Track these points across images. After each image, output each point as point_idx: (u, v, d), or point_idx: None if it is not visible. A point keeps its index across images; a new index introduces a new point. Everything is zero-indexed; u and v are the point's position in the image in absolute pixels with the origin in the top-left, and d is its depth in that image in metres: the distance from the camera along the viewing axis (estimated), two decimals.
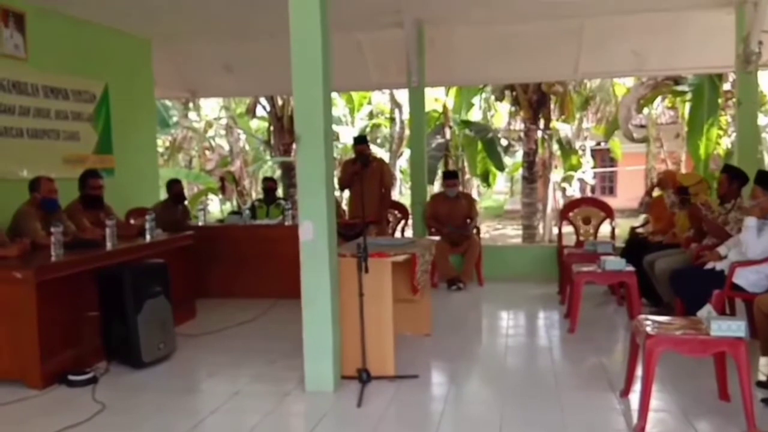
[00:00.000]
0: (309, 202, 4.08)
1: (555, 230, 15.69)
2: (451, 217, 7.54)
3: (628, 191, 22.45)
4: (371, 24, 7.57)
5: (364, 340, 4.13)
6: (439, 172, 13.53)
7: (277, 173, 16.34)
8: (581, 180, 20.40)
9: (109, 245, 4.91)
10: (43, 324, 4.19)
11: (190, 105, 18.97)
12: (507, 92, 13.12)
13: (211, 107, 20.22)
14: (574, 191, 19.84)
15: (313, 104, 4.04)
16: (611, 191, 23.87)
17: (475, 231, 7.66)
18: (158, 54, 8.33)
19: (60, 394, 4.17)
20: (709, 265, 5.04)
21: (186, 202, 7.79)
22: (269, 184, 8.30)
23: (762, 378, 3.99)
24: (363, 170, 6.59)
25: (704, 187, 6.24)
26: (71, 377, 4.27)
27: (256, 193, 16.28)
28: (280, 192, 11.45)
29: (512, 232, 19.13)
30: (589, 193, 21.61)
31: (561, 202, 19.00)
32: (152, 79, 8.35)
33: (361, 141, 7.40)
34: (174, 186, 7.49)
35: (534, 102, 12.12)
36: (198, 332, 5.51)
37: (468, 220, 7.65)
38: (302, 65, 4.03)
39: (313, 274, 4.07)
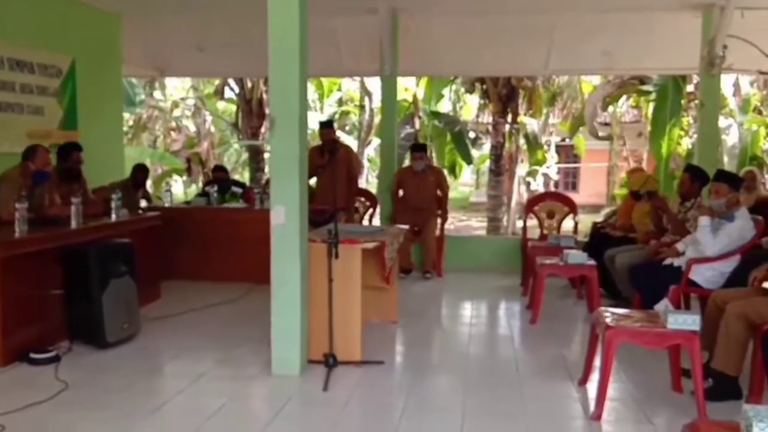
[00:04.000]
0: (281, 186, 4.09)
1: (519, 223, 16.02)
2: (418, 193, 7.43)
3: (591, 187, 22.94)
4: (346, 10, 7.54)
5: (331, 325, 4.17)
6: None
7: (244, 156, 16.21)
8: (545, 175, 20.77)
9: (74, 223, 4.84)
10: (6, 300, 4.14)
11: (156, 84, 18.67)
12: (477, 85, 13.22)
13: (176, 87, 19.91)
14: (538, 185, 20.19)
15: (288, 88, 4.05)
16: (574, 187, 24.32)
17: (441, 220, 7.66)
18: (128, 30, 8.16)
19: (21, 371, 4.12)
20: (667, 261, 5.20)
21: (146, 188, 7.61)
22: (219, 174, 8.00)
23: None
24: (330, 161, 6.60)
25: (651, 183, 6.45)
26: (33, 355, 4.22)
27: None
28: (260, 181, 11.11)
29: (477, 224, 19.36)
30: (552, 188, 21.98)
31: (525, 196, 19.29)
32: (120, 55, 8.19)
33: (327, 125, 7.37)
34: (138, 173, 7.38)
35: (503, 96, 12.26)
36: (163, 314, 5.48)
37: (438, 193, 7.56)
38: (279, 48, 4.03)
39: (284, 259, 4.09)
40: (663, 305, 3.81)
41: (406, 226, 5.75)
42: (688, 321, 3.51)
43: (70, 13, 7.18)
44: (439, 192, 7.63)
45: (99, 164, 7.64)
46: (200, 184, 16.09)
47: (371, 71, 8.75)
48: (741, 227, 4.79)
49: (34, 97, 6.64)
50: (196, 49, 9.02)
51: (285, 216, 4.07)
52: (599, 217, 10.40)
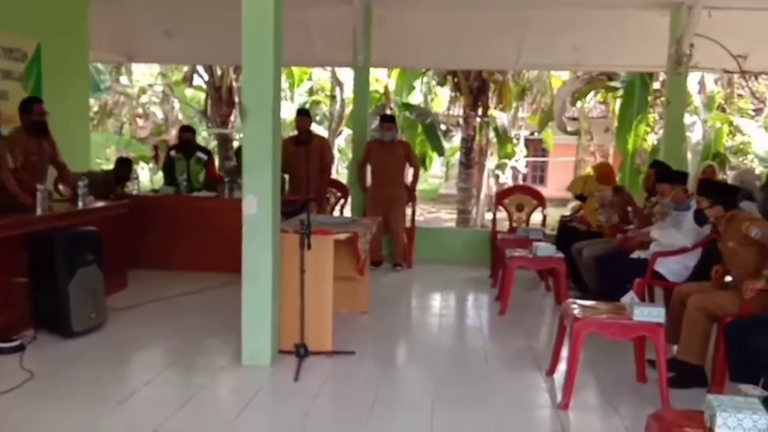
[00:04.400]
0: (254, 176, 4.06)
1: (488, 215, 16.18)
2: (386, 165, 7.34)
3: (558, 181, 23.15)
4: (320, 0, 7.51)
5: (303, 316, 4.16)
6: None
7: (213, 144, 16.01)
8: (514, 168, 20.92)
9: (39, 210, 4.74)
10: None
11: (122, 69, 18.32)
12: (449, 78, 13.25)
13: (143, 73, 19.56)
14: (507, 179, 20.34)
15: (262, 77, 4.01)
16: (542, 180, 24.58)
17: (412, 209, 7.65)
18: (95, 15, 7.99)
19: None
20: (635, 254, 5.32)
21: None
22: (185, 135, 7.70)
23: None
24: (304, 151, 6.55)
25: (590, 184, 6.77)
26: None
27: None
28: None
29: (446, 216, 19.46)
30: (521, 182, 22.18)
31: (494, 189, 19.46)
32: (87, 40, 8.01)
33: (303, 113, 7.34)
34: (121, 168, 7.25)
35: (474, 89, 12.32)
36: (129, 304, 5.40)
37: (407, 167, 7.50)
38: (253, 36, 3.99)
39: (256, 249, 4.07)
40: (629, 298, 3.88)
41: (379, 218, 5.76)
42: (654, 313, 3.59)
43: None
44: (408, 165, 7.54)
45: (65, 150, 7.44)
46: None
47: (344, 62, 8.71)
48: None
49: None
50: (163, 35, 8.88)
51: (257, 206, 4.04)
52: (566, 211, 10.55)
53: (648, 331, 3.61)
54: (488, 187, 17.04)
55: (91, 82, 13.11)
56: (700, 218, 4.79)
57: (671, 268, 4.94)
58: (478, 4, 7.69)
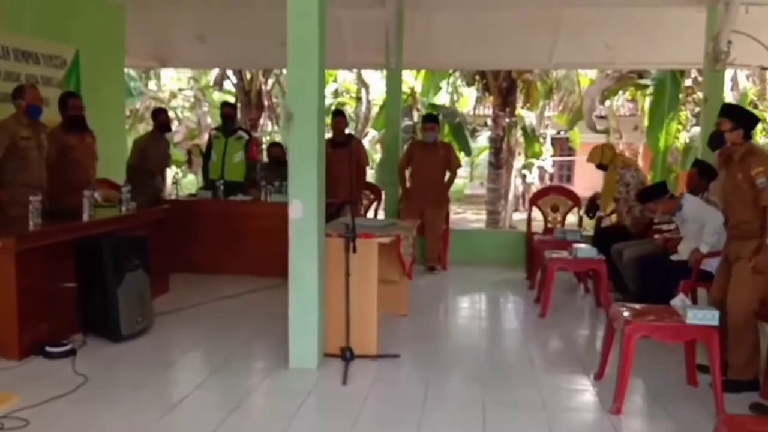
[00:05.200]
0: (300, 180, 4.08)
1: (515, 216, 16.10)
2: (427, 167, 7.23)
3: (585, 180, 22.95)
4: (354, 2, 7.53)
5: (348, 319, 4.18)
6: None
7: None
8: (541, 168, 20.83)
9: (86, 216, 4.83)
10: (21, 294, 4.11)
11: (151, 74, 18.54)
12: (477, 78, 13.22)
13: (171, 78, 19.78)
14: (533, 178, 20.25)
15: (307, 81, 4.04)
16: (569, 179, 24.36)
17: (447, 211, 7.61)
18: (130, 21, 8.12)
19: (38, 365, 4.10)
20: (674, 256, 5.26)
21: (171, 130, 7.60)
22: (226, 110, 7.62)
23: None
24: (342, 153, 6.56)
25: (610, 153, 6.89)
26: (49, 349, 4.20)
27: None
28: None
29: (472, 216, 19.38)
30: (548, 181, 22.05)
31: (521, 189, 19.39)
32: (124, 46, 8.15)
33: (339, 114, 7.37)
34: (159, 115, 7.34)
35: (503, 89, 12.27)
36: (172, 308, 5.46)
37: (447, 173, 7.37)
38: (298, 40, 4.02)
39: (302, 253, 4.09)
40: (680, 300, 3.83)
41: (417, 221, 5.75)
42: (708, 316, 3.55)
43: (75, 4, 7.13)
44: (448, 172, 7.42)
45: (102, 155, 7.59)
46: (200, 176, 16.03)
47: (375, 63, 8.76)
48: (693, 206, 5.13)
49: (38, 88, 6.54)
50: (196, 40, 8.97)
51: (303, 211, 4.06)
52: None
53: (702, 334, 3.57)
54: (515, 187, 16.96)
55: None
56: (715, 142, 4.27)
57: (714, 265, 4.88)
58: (510, 4, 7.67)
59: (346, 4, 7.68)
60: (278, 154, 7.49)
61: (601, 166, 6.84)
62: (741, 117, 4.06)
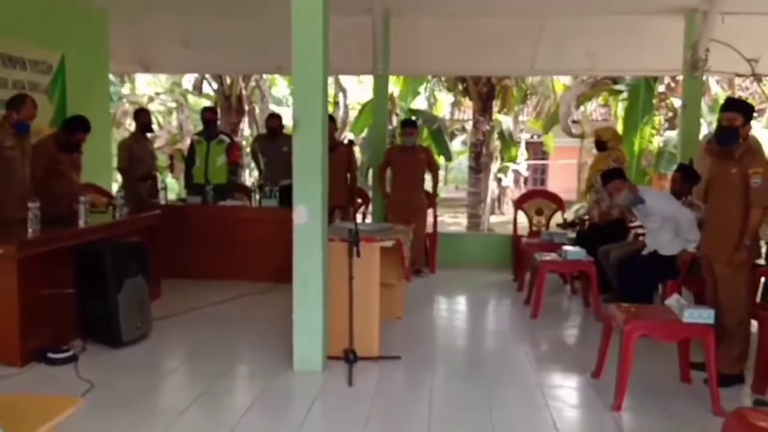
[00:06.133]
0: (304, 186, 4.13)
1: (492, 218, 16.28)
2: (407, 171, 7.34)
3: (559, 183, 23.30)
4: (340, 9, 7.56)
5: (352, 322, 4.24)
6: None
7: None
8: (516, 171, 21.09)
9: (82, 222, 4.81)
10: (23, 301, 4.09)
11: (126, 79, 18.35)
12: (457, 83, 13.37)
13: (148, 82, 19.58)
14: (509, 182, 20.50)
15: (311, 89, 4.10)
16: (542, 183, 24.70)
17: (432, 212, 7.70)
18: (113, 27, 8.07)
19: (41, 371, 4.08)
20: (645, 250, 5.39)
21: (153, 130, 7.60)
22: (208, 115, 7.67)
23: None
24: (331, 158, 6.59)
25: (619, 140, 7.20)
26: (51, 355, 4.18)
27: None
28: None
29: (449, 220, 19.51)
30: (522, 184, 22.34)
31: (497, 192, 19.61)
32: (108, 51, 8.10)
33: (329, 119, 7.39)
34: (142, 115, 7.34)
35: (483, 94, 12.43)
36: (167, 313, 5.43)
37: (426, 175, 7.50)
38: (303, 48, 4.08)
39: (306, 258, 4.14)
40: (674, 300, 3.97)
41: (413, 225, 5.83)
42: (704, 315, 3.69)
43: (59, 9, 7.08)
44: (428, 171, 7.57)
45: (88, 160, 7.52)
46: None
47: (361, 70, 8.81)
48: (657, 200, 5.27)
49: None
50: (180, 45, 8.94)
51: (307, 215, 4.12)
52: (569, 213, 10.63)
53: (698, 332, 3.70)
54: (492, 190, 17.15)
55: None
56: (729, 137, 4.06)
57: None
58: (494, 12, 7.79)
59: (333, 10, 7.73)
60: (275, 125, 7.57)
61: (600, 144, 7.02)
62: (749, 111, 4.08)
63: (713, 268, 4.08)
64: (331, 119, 7.41)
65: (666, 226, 5.17)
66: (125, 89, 19.82)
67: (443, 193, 25.04)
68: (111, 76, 14.14)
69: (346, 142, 8.43)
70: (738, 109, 4.01)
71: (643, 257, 5.40)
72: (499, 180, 20.00)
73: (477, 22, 8.03)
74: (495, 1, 7.32)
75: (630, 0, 7.25)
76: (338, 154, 6.91)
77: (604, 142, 6.99)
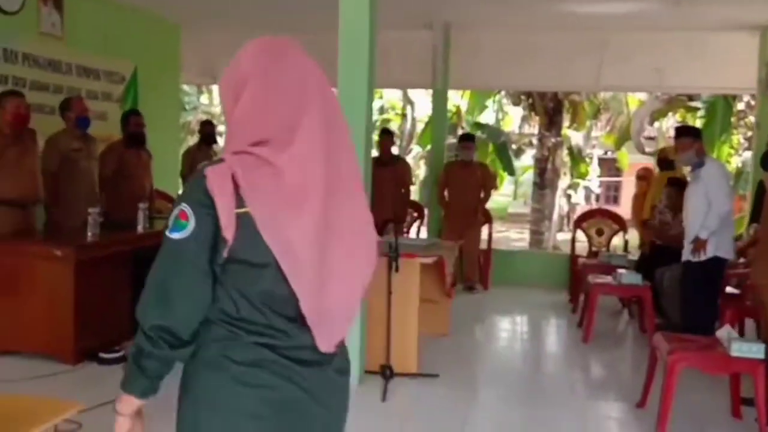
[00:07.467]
0: None
1: (559, 236, 15.93)
2: (464, 186, 7.30)
3: None
4: (401, 23, 7.64)
5: (389, 337, 4.24)
6: None
7: None
8: (587, 188, 20.58)
9: (140, 228, 5.02)
10: (79, 302, 4.30)
11: (204, 89, 19.04)
12: (523, 97, 13.20)
13: None
14: (579, 199, 20.02)
15: (357, 100, 4.13)
16: (615, 200, 24.02)
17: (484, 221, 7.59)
18: (185, 39, 8.41)
19: (92, 370, 4.28)
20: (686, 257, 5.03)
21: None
22: (207, 128, 7.45)
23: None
24: (389, 172, 6.63)
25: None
26: (102, 355, 4.37)
27: None
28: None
29: (515, 236, 19.24)
30: (594, 202, 21.78)
31: (566, 209, 19.18)
32: (179, 63, 8.44)
33: (387, 133, 7.46)
34: (206, 126, 7.46)
35: (550, 109, 12.23)
36: None
37: (481, 194, 7.40)
38: (349, 62, 4.13)
39: None
40: (725, 331, 3.78)
41: (461, 241, 5.79)
42: (753, 349, 3.50)
43: (134, 23, 7.43)
44: (482, 192, 7.46)
45: (157, 168, 7.86)
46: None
47: (421, 83, 8.84)
48: (715, 170, 4.84)
49: (98, 103, 6.87)
50: None
51: None
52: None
53: (746, 367, 3.52)
54: (560, 207, 16.80)
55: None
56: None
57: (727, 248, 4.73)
58: (556, 26, 7.68)
59: (395, 25, 7.82)
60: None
61: (667, 163, 6.67)
62: None
63: (764, 297, 3.87)
64: (388, 133, 7.46)
65: (700, 209, 4.73)
66: (203, 99, 20.60)
67: (511, 207, 24.82)
68: (188, 87, 14.81)
69: (409, 156, 8.47)
70: None
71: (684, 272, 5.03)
72: (568, 197, 19.57)
73: (538, 37, 7.93)
74: (557, 15, 7.20)
75: (702, 16, 7.00)
76: (393, 168, 6.97)
77: (672, 161, 6.66)
